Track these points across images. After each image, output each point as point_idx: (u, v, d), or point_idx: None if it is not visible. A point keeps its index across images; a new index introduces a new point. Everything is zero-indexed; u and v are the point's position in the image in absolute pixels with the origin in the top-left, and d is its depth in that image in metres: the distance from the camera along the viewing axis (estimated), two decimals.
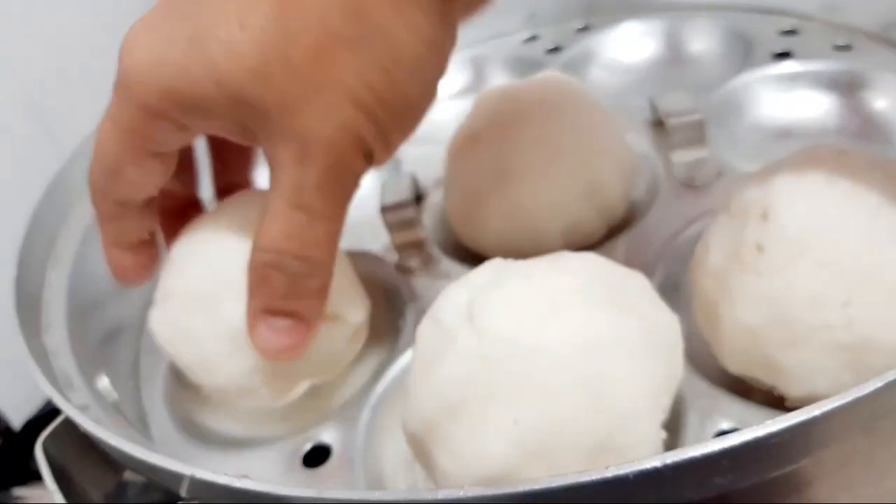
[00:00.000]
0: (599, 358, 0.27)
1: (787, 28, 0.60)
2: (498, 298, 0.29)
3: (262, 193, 0.37)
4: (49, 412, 0.42)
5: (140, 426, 0.40)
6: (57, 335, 0.40)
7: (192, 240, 0.39)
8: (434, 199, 0.52)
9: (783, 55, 0.56)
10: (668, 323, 0.31)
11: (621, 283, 0.31)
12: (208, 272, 0.37)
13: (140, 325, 0.49)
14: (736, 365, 0.33)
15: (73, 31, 0.68)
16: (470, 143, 0.44)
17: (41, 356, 0.36)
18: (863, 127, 0.51)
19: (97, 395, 0.37)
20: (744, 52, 0.59)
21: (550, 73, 0.46)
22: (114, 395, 0.40)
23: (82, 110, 0.54)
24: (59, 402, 0.31)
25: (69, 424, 0.33)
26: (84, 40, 0.68)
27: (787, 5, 0.62)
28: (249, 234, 0.35)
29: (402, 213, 0.47)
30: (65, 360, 0.38)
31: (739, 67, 0.57)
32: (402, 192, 0.48)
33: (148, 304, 0.50)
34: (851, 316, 0.29)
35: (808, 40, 0.57)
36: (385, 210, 0.47)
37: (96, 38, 0.68)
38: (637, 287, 0.31)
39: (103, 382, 0.40)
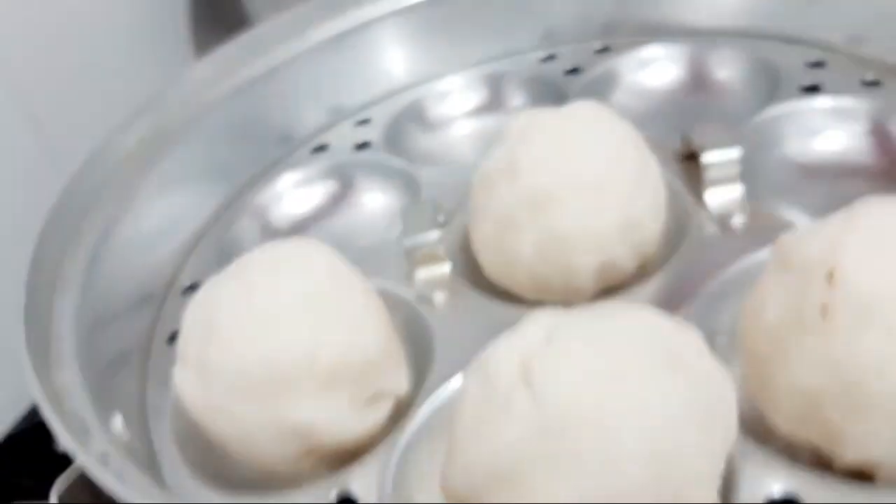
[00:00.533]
0: (663, 429, 0.26)
1: (814, 59, 0.59)
2: (555, 362, 0.27)
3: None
4: (35, 424, 0.39)
5: (151, 467, 0.38)
6: (67, 371, 0.37)
7: (238, 297, 0.36)
8: (456, 226, 0.50)
9: (812, 88, 0.55)
10: (724, 385, 0.29)
11: (677, 342, 0.29)
12: (265, 358, 0.34)
13: (145, 351, 0.47)
14: (788, 425, 0.32)
15: (72, 43, 0.66)
16: (504, 171, 0.42)
17: (55, 401, 0.34)
18: (892, 166, 0.50)
19: (112, 438, 0.35)
20: (771, 84, 0.57)
21: (587, 102, 0.44)
22: (127, 437, 0.37)
23: (81, 126, 0.53)
24: (81, 457, 0.29)
25: (83, 475, 0.31)
26: (83, 54, 0.66)
27: (811, 35, 0.61)
28: (311, 294, 0.35)
29: (426, 247, 0.45)
30: (78, 400, 0.36)
31: (766, 99, 0.56)
32: (425, 223, 0.46)
33: (151, 327, 0.49)
34: None
35: (836, 74, 0.56)
36: (407, 243, 0.45)
37: (95, 51, 0.66)
38: (692, 345, 0.30)
39: (116, 422, 0.38)
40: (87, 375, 0.38)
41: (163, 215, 0.53)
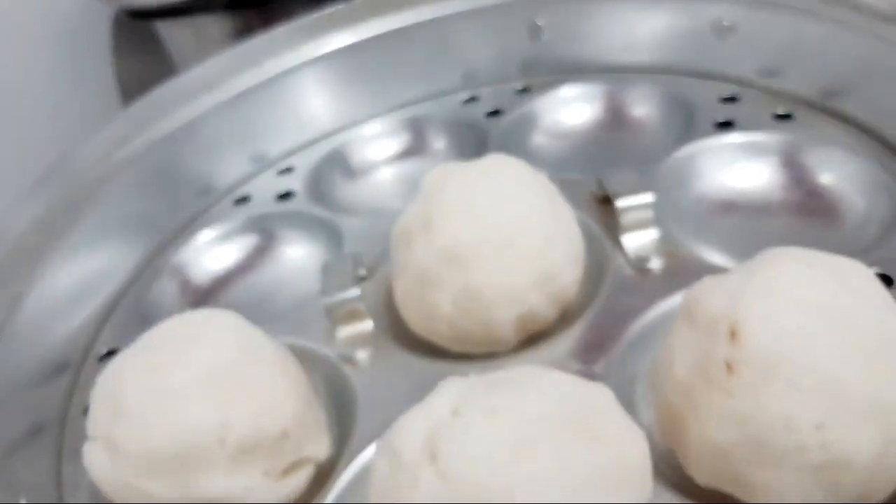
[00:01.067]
0: (575, 498, 0.26)
1: (727, 94, 0.60)
2: (461, 436, 0.27)
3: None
4: None
5: None
6: None
7: (145, 372, 0.35)
8: (379, 278, 0.49)
9: (725, 124, 0.57)
10: (638, 444, 0.29)
11: (588, 403, 0.29)
12: (175, 436, 0.34)
13: (60, 423, 0.45)
14: (704, 477, 0.32)
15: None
16: (420, 227, 0.42)
17: None
18: (806, 199, 0.51)
19: None
20: (685, 120, 0.59)
21: (498, 155, 0.44)
22: None
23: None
24: None
25: None
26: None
27: (725, 70, 0.62)
28: (220, 368, 0.34)
29: (346, 304, 0.44)
30: None
31: (681, 136, 0.57)
32: (346, 279, 0.45)
33: (67, 397, 0.47)
34: (825, 438, 0.28)
35: (749, 108, 0.58)
36: (328, 301, 0.45)
37: (13, 106, 0.65)
38: (603, 405, 0.30)
39: None
40: None
41: (76, 280, 0.51)
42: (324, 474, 0.38)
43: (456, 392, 0.29)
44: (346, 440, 0.40)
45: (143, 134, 0.58)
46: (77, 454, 0.42)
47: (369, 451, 0.38)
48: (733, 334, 0.29)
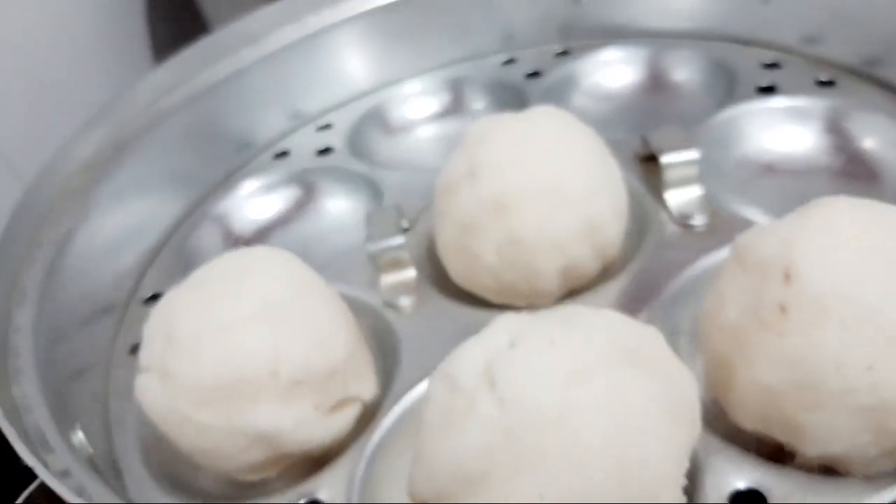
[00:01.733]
0: (627, 428, 0.26)
1: (770, 61, 0.60)
2: (518, 364, 0.27)
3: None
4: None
5: (114, 479, 0.38)
6: (27, 383, 0.37)
7: (198, 306, 0.36)
8: (420, 231, 0.50)
9: (768, 89, 0.56)
10: (687, 382, 0.30)
11: (639, 342, 0.30)
12: (228, 366, 0.34)
13: (106, 363, 0.46)
14: (750, 422, 0.32)
15: (26, 51, 0.65)
16: (465, 176, 0.42)
17: (14, 416, 0.33)
18: (847, 164, 0.51)
19: (74, 452, 0.34)
20: (727, 84, 0.58)
21: (546, 107, 0.45)
22: (89, 450, 0.37)
23: (36, 137, 0.51)
24: (39, 470, 0.29)
25: (46, 489, 0.30)
26: (38, 62, 0.65)
27: (766, 36, 0.62)
28: (272, 302, 0.34)
29: (391, 252, 0.45)
30: (38, 413, 0.35)
31: (723, 100, 0.57)
32: (389, 228, 0.46)
33: (112, 338, 0.48)
34: (875, 379, 0.28)
35: (792, 74, 0.57)
36: (372, 249, 0.45)
37: (50, 60, 0.65)
38: (654, 344, 0.30)
39: (77, 436, 0.37)
40: (47, 388, 0.38)
41: (122, 225, 0.52)
42: (369, 414, 0.39)
43: (512, 325, 0.29)
44: (390, 383, 0.40)
45: (186, 85, 0.59)
46: (122, 393, 0.43)
47: (414, 394, 0.39)
48: (787, 276, 0.30)
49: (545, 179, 0.41)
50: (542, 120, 0.43)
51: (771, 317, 0.30)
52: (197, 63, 0.60)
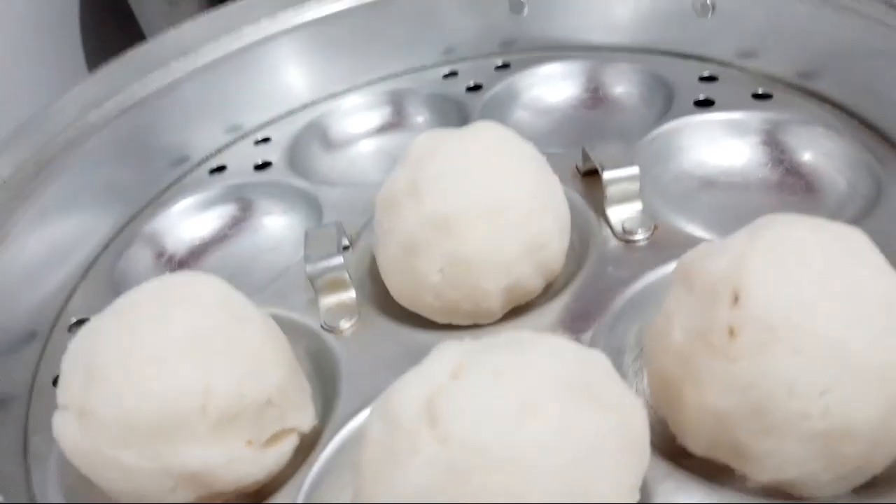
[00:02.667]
0: (578, 465, 0.25)
1: (707, 74, 0.60)
2: (462, 399, 0.26)
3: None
4: None
5: None
6: None
7: (121, 336, 0.33)
8: (361, 248, 0.49)
9: (706, 102, 0.57)
10: (636, 413, 0.29)
11: (587, 371, 0.29)
12: (153, 402, 0.32)
13: (27, 394, 0.44)
14: (698, 446, 0.32)
15: None
16: (407, 193, 0.41)
17: None
18: (785, 177, 0.51)
19: None
20: (666, 98, 0.59)
21: (488, 123, 0.44)
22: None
23: None
24: None
25: None
26: None
27: (703, 51, 0.63)
28: (201, 331, 0.33)
29: (330, 273, 0.43)
30: None
31: (662, 113, 0.57)
32: (329, 247, 0.44)
33: (34, 368, 0.45)
34: (828, 404, 0.28)
35: (729, 88, 0.58)
36: (311, 270, 0.43)
37: None
38: (602, 372, 0.29)
39: None
40: None
41: (46, 245, 0.49)
42: (308, 446, 0.37)
43: (454, 355, 0.28)
44: (330, 412, 0.39)
45: (116, 97, 0.56)
46: (45, 426, 0.41)
47: (355, 423, 0.37)
48: (736, 298, 0.29)
49: (489, 198, 0.40)
50: (483, 136, 0.42)
51: (720, 340, 0.29)
52: (128, 74, 0.57)
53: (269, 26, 0.64)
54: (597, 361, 0.29)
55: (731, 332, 0.29)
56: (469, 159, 0.41)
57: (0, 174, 0.48)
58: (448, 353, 0.28)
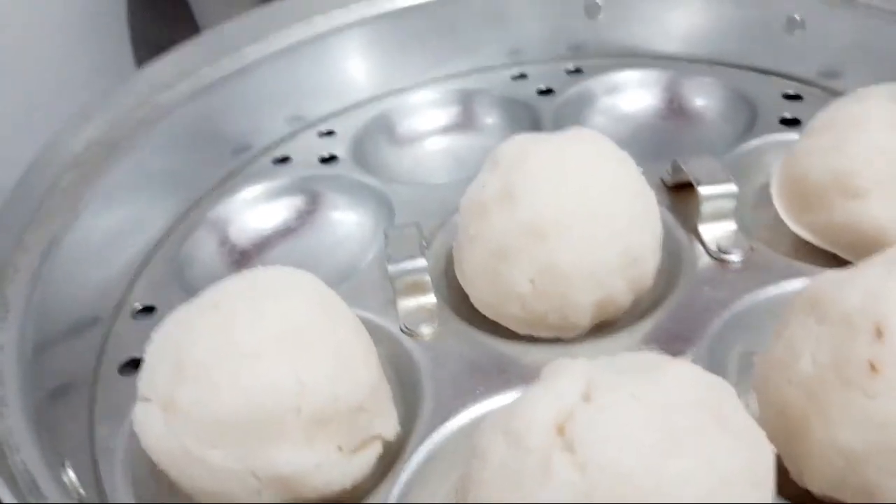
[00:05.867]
0: (722, 494, 0.24)
1: (791, 92, 0.59)
2: (601, 424, 0.24)
3: None
4: None
5: None
6: (11, 416, 0.32)
7: (215, 330, 0.32)
8: (437, 251, 0.47)
9: (791, 121, 0.55)
10: (765, 444, 0.27)
11: (722, 399, 0.27)
12: (247, 401, 0.30)
13: (91, 382, 0.42)
14: (819, 484, 0.30)
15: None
16: (499, 198, 0.39)
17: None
18: None
19: (67, 497, 0.30)
20: (748, 114, 0.57)
21: (584, 129, 0.42)
22: (80, 491, 0.33)
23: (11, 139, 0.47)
24: None
25: None
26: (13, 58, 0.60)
27: (786, 68, 0.61)
28: (298, 330, 0.31)
29: (413, 275, 0.42)
30: (25, 452, 0.31)
31: (744, 130, 0.55)
32: (411, 248, 0.43)
33: (98, 354, 0.43)
34: None
35: (815, 108, 0.55)
36: (393, 270, 0.42)
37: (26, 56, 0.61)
38: (731, 402, 0.28)
39: (68, 475, 0.33)
40: (32, 419, 0.33)
41: (111, 229, 0.48)
42: (390, 455, 0.35)
43: (582, 374, 0.26)
44: (413, 420, 0.37)
45: (186, 80, 0.55)
46: (111, 415, 0.39)
47: (440, 434, 0.36)
48: (878, 332, 0.27)
49: (587, 207, 0.38)
50: (580, 143, 0.41)
51: (858, 375, 0.27)
52: (198, 58, 0.56)
53: (339, 17, 0.62)
54: (727, 390, 0.28)
55: (873, 368, 0.27)
56: (566, 166, 0.39)
57: (72, 150, 0.47)
58: (574, 371, 0.27)
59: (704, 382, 0.27)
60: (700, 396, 0.26)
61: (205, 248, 0.51)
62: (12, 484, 0.28)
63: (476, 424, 0.33)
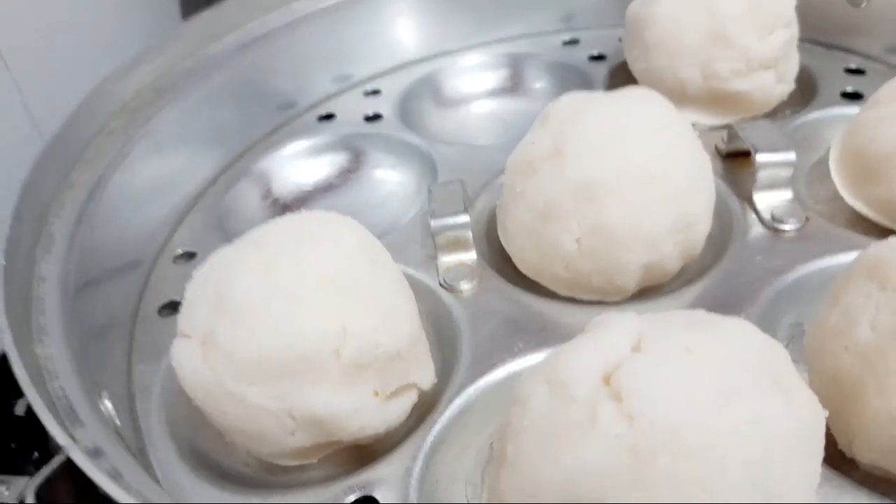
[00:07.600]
0: (769, 460, 0.23)
1: (853, 66, 0.57)
2: (651, 376, 0.23)
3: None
4: None
5: (139, 454, 0.34)
6: (52, 344, 0.33)
7: (257, 271, 0.32)
8: (479, 210, 0.46)
9: (853, 95, 0.53)
10: (817, 412, 0.26)
11: (776, 358, 0.26)
12: (289, 341, 0.30)
13: (131, 322, 0.42)
14: (869, 453, 0.29)
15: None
16: (548, 156, 0.38)
17: (38, 380, 0.29)
18: None
19: (104, 425, 0.30)
20: (807, 87, 0.55)
21: (641, 88, 0.41)
22: (116, 421, 0.33)
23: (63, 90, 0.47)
24: (71, 450, 0.25)
25: (72, 466, 0.26)
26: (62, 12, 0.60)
27: (849, 42, 0.59)
28: (341, 273, 0.31)
29: (455, 231, 0.41)
30: (64, 379, 0.31)
31: (805, 102, 0.54)
32: (455, 205, 0.42)
33: (138, 295, 0.44)
34: None
35: (878, 82, 0.53)
36: (436, 224, 0.41)
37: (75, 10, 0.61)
38: (786, 364, 0.26)
39: (105, 405, 0.33)
40: (72, 349, 0.33)
41: (157, 174, 0.48)
42: (424, 405, 0.35)
43: (632, 327, 0.25)
44: (449, 373, 0.36)
45: (235, 33, 0.55)
46: (149, 355, 0.39)
47: (476, 387, 0.35)
48: None
49: (642, 168, 0.37)
50: (636, 102, 0.40)
51: None
52: (248, 10, 0.56)
53: None
54: (781, 351, 0.27)
55: None
56: (620, 124, 0.38)
57: (121, 96, 0.47)
58: (623, 322, 0.26)
59: (760, 340, 0.26)
60: (755, 354, 0.25)
61: (247, 199, 0.51)
62: (52, 408, 0.28)
63: (513, 380, 0.32)
